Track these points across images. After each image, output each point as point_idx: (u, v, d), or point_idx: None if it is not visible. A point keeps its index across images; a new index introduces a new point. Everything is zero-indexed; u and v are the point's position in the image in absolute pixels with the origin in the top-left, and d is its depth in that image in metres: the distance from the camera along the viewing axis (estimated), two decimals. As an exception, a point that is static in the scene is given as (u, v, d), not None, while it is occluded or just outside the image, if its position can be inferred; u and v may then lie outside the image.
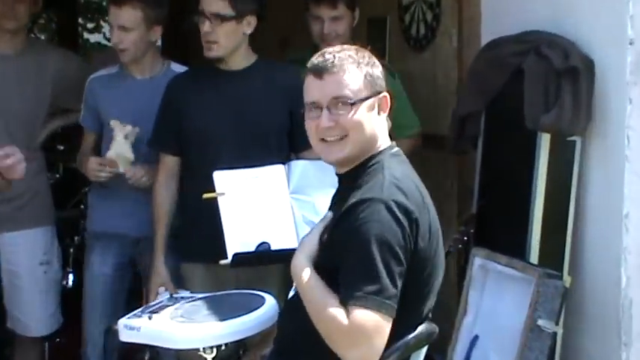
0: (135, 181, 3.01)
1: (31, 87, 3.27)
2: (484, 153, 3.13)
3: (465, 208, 3.36)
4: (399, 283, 1.86)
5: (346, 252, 1.87)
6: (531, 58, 2.77)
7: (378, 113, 1.98)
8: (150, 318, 2.21)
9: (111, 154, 3.01)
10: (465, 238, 3.10)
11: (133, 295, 3.24)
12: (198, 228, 2.88)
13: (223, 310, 2.24)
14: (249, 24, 2.88)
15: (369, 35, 4.25)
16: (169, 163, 2.99)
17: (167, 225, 2.97)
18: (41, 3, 3.38)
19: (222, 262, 2.60)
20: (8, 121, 3.21)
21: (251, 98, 2.89)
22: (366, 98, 1.94)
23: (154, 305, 2.37)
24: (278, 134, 2.90)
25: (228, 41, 2.84)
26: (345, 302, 1.84)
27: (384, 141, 2.01)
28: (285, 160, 2.84)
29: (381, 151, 1.99)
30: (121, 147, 3.01)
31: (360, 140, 1.95)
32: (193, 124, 2.89)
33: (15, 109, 3.24)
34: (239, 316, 2.19)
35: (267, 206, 2.68)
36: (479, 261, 2.91)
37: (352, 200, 1.90)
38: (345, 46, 2.03)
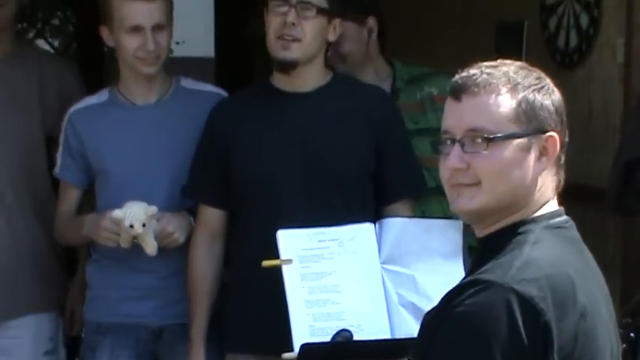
0: (163, 238, 2.94)
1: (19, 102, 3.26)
2: (661, 214, 3.11)
3: (633, 290, 3.32)
4: None
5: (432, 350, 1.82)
6: None
7: (539, 159, 1.95)
8: None
9: (119, 212, 2.87)
10: (632, 334, 3.04)
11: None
12: (252, 307, 2.88)
13: None
14: (335, 30, 2.93)
15: (497, 46, 4.26)
16: (212, 218, 2.98)
17: (209, 305, 2.97)
18: None
19: (287, 355, 2.60)
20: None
21: (325, 131, 2.91)
22: (516, 135, 1.91)
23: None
24: (359, 179, 2.91)
25: (314, 42, 2.88)
26: None
27: (542, 203, 1.97)
28: (370, 215, 2.82)
29: (535, 218, 1.95)
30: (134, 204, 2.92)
31: (499, 192, 1.91)
32: (248, 168, 2.92)
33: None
34: None
35: (350, 280, 2.68)
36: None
37: (467, 278, 1.87)
38: (507, 61, 2.00)
